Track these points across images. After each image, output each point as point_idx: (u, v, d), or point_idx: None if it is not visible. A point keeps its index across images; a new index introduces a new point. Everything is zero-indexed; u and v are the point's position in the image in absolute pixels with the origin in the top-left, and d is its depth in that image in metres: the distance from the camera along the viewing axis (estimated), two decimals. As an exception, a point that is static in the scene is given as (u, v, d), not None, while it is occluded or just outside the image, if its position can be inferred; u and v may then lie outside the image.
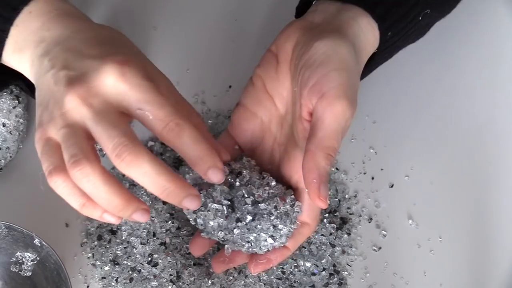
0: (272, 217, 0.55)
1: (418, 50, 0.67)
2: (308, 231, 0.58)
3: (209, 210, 0.54)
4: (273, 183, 0.56)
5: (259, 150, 0.60)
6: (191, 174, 0.55)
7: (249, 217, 0.54)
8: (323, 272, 0.63)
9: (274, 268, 0.62)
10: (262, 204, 0.54)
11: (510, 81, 0.73)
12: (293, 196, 0.57)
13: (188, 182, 0.55)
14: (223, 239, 0.56)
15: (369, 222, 0.66)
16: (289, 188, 0.58)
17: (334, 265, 0.64)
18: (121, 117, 0.48)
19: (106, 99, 0.48)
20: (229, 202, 0.54)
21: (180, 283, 0.61)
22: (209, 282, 0.61)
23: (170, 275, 0.61)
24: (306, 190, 0.52)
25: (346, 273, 0.64)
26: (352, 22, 0.56)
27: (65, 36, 0.51)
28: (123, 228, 0.64)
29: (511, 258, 0.65)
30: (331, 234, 0.65)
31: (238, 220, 0.54)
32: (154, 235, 0.63)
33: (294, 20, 0.60)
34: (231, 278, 0.62)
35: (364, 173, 0.68)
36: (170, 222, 0.63)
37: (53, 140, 0.48)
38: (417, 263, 0.65)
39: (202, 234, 0.57)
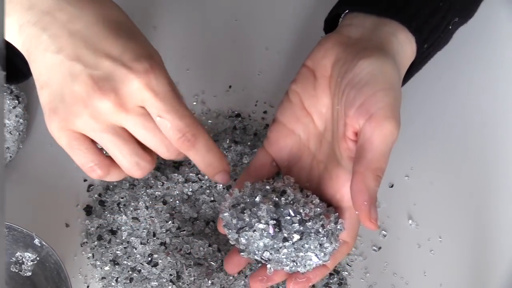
0: (320, 236, 0.54)
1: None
2: (347, 250, 0.57)
3: (255, 230, 0.53)
4: (317, 200, 0.55)
5: (296, 168, 0.59)
6: (234, 194, 0.55)
7: (297, 236, 0.53)
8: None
9: (274, 268, 0.62)
10: (310, 222, 0.53)
11: (510, 81, 0.73)
12: (337, 214, 0.56)
13: (231, 201, 0.55)
14: (267, 259, 0.54)
15: (369, 222, 0.66)
16: (329, 206, 0.57)
17: (334, 265, 0.64)
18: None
19: (135, 103, 0.50)
20: (275, 222, 0.53)
21: (180, 283, 0.61)
22: (209, 282, 0.61)
23: (170, 275, 0.61)
24: (356, 212, 0.52)
25: (346, 273, 0.64)
26: (391, 38, 0.56)
27: (60, 7, 0.49)
28: (123, 228, 0.63)
29: (511, 258, 0.65)
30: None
31: (285, 239, 0.53)
32: (154, 235, 0.63)
33: (329, 34, 0.58)
34: (231, 278, 0.61)
35: (364, 173, 0.68)
36: (170, 222, 0.63)
37: (79, 134, 0.50)
38: (417, 263, 0.65)
39: (242, 254, 0.56)
